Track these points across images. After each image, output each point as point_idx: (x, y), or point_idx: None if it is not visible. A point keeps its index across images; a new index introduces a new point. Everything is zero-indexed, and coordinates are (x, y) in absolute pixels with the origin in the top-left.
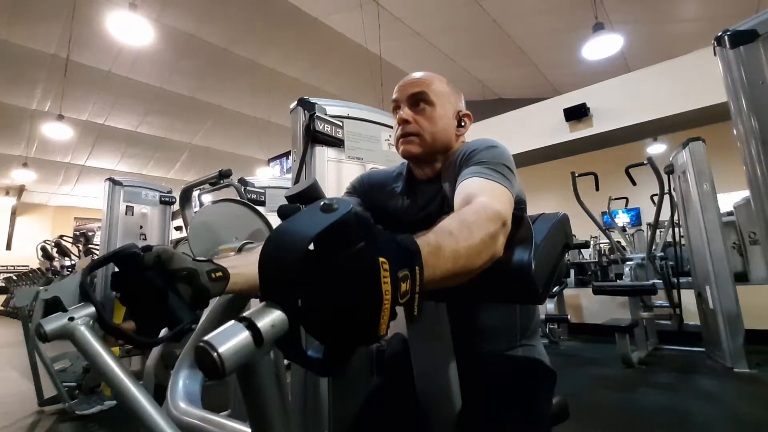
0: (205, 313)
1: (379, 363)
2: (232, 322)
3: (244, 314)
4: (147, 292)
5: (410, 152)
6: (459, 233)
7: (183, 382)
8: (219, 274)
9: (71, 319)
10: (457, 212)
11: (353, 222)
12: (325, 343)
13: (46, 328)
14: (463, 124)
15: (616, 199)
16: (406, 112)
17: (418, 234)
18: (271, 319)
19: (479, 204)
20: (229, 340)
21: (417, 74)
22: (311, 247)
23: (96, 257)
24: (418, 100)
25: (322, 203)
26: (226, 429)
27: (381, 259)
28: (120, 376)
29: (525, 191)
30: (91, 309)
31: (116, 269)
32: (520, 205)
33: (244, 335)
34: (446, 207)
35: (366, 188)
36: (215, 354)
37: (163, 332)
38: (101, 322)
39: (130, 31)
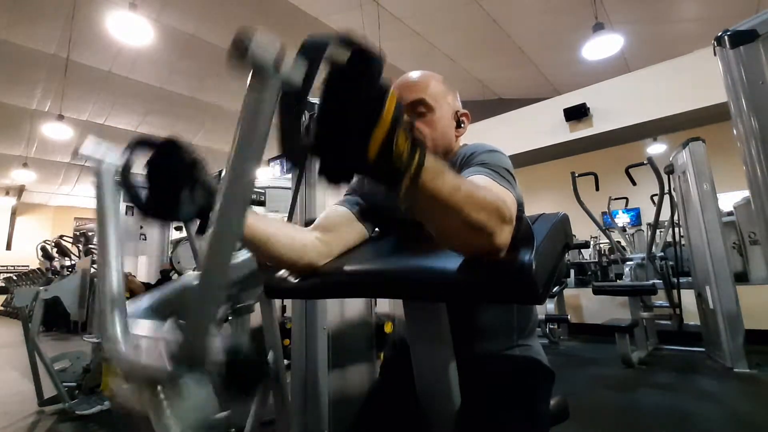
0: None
1: (378, 339)
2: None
3: None
4: (170, 177)
5: None
6: (466, 181)
7: (137, 310)
8: None
9: (104, 155)
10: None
11: (381, 67)
12: (318, 145)
13: (81, 146)
14: (461, 124)
15: (616, 199)
16: None
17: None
18: (294, 64)
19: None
20: (262, 42)
21: (413, 76)
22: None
23: (96, 258)
24: (417, 105)
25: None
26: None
27: (393, 90)
28: (111, 229)
29: (525, 191)
30: (122, 160)
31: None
32: (519, 207)
33: (274, 48)
34: None
35: (366, 189)
36: (248, 40)
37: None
38: (123, 175)
39: (130, 31)
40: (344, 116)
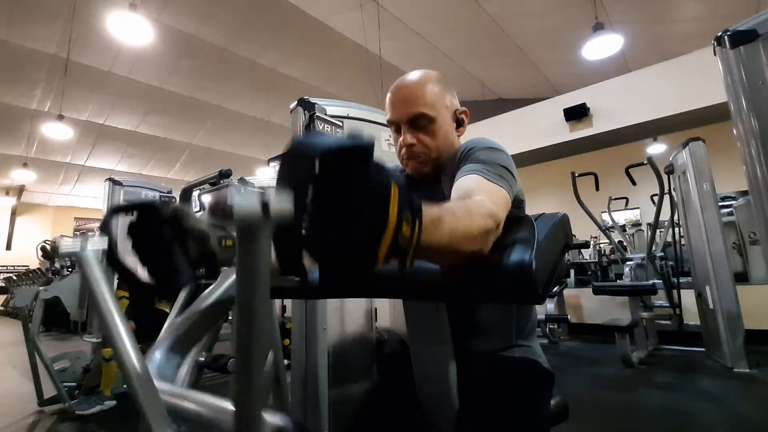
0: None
1: (378, 353)
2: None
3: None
4: (158, 242)
5: (421, 171)
6: (460, 215)
7: (158, 362)
8: (230, 242)
9: (83, 247)
10: (460, 200)
11: (373, 152)
12: (320, 259)
13: (59, 245)
14: (461, 122)
15: (616, 199)
16: (408, 139)
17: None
18: (280, 199)
19: (479, 200)
20: (243, 198)
21: (408, 85)
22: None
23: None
24: (418, 120)
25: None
26: (196, 401)
27: (394, 186)
28: (112, 311)
29: (525, 191)
30: (104, 244)
31: (133, 220)
32: (519, 204)
33: (254, 200)
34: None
35: None
36: (228, 202)
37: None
38: (110, 256)
39: (130, 31)
40: (343, 227)
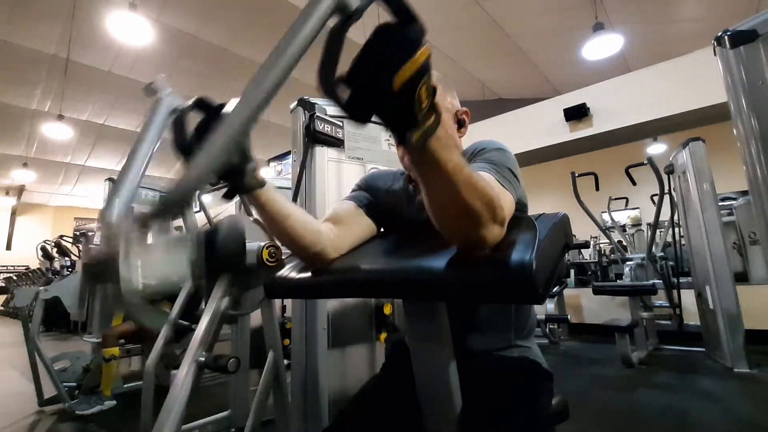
0: (203, 324)
1: (378, 320)
2: None
3: None
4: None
5: None
6: (470, 167)
7: None
8: (258, 177)
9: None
10: None
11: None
12: (352, 75)
13: (154, 83)
14: (463, 123)
15: (616, 199)
16: None
17: None
18: None
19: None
20: None
21: None
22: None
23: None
24: None
25: None
26: None
27: (428, 48)
28: (142, 155)
29: (525, 191)
30: (180, 105)
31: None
32: (521, 208)
33: None
34: None
35: (369, 187)
36: None
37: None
38: (178, 117)
39: (130, 31)
40: (381, 54)
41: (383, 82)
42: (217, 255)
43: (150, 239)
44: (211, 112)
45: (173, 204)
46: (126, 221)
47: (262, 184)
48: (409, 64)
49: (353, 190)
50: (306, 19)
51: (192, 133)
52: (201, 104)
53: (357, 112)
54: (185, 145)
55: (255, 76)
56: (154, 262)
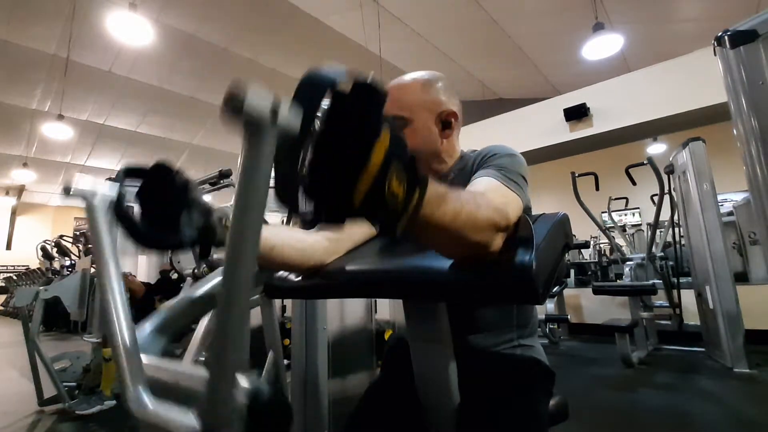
0: (204, 323)
1: (378, 345)
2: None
3: None
4: (167, 205)
5: None
6: (467, 202)
7: (145, 337)
8: (229, 224)
9: (94, 190)
10: (472, 190)
11: (384, 100)
12: (311, 190)
13: (72, 183)
14: (448, 124)
15: (616, 199)
16: None
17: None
18: (290, 112)
19: (490, 196)
20: (256, 94)
21: (391, 87)
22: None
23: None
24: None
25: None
26: (182, 373)
27: (385, 132)
28: (110, 261)
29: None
30: (114, 192)
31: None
32: (526, 212)
33: (267, 103)
34: None
35: None
36: (242, 94)
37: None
38: (117, 207)
39: (130, 31)
40: (334, 160)
41: (342, 199)
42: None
43: None
44: (144, 177)
45: None
46: None
47: None
48: (364, 177)
49: None
50: (254, 164)
51: (138, 212)
52: (130, 173)
53: (328, 221)
54: (139, 231)
55: (233, 230)
56: None
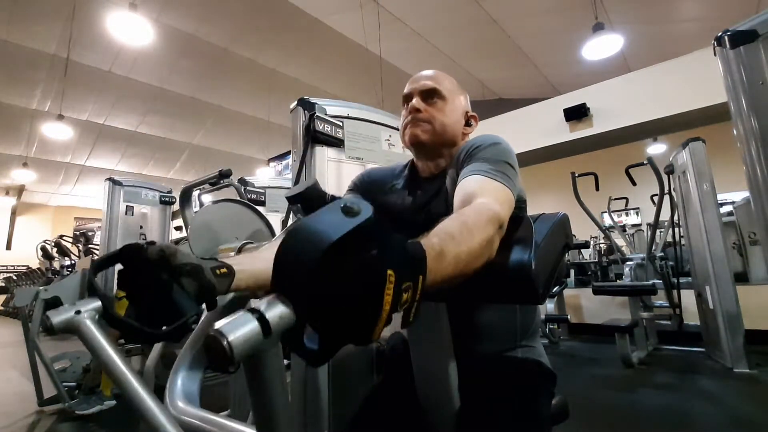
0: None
1: (379, 363)
2: (242, 311)
3: (253, 306)
4: (152, 286)
5: (418, 137)
6: (460, 237)
7: (182, 382)
8: (224, 270)
9: (78, 312)
10: (459, 213)
11: (372, 228)
12: (321, 336)
13: (53, 320)
14: (470, 124)
15: (616, 199)
16: (418, 102)
17: (422, 236)
18: (279, 311)
19: (479, 205)
20: (239, 328)
21: (428, 72)
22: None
23: (96, 257)
24: (430, 94)
25: (343, 204)
26: (225, 429)
27: (389, 272)
28: (123, 371)
29: (525, 191)
30: (97, 303)
31: (121, 267)
32: (520, 204)
33: (253, 325)
34: (448, 204)
35: (366, 185)
36: (225, 342)
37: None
38: (107, 315)
39: (130, 31)
40: (340, 319)
41: (360, 341)
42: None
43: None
44: (115, 262)
45: None
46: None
47: (231, 277)
48: (381, 320)
49: (349, 189)
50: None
51: (129, 303)
52: (101, 266)
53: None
54: (141, 330)
55: None
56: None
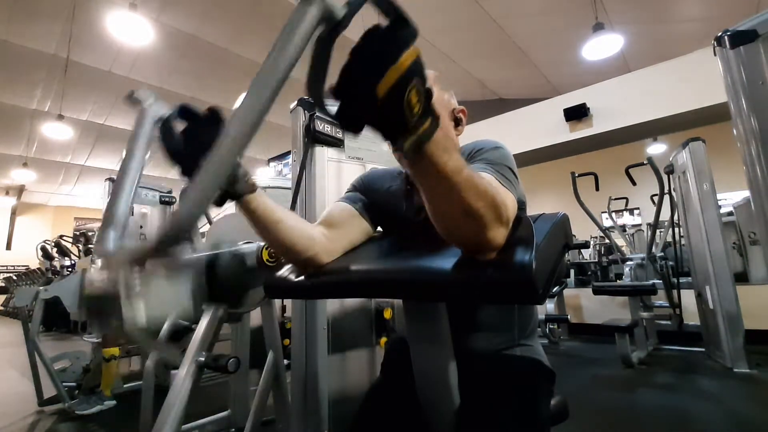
0: (203, 324)
1: (378, 323)
2: None
3: None
4: (206, 141)
5: None
6: (469, 167)
7: None
8: (252, 180)
9: (150, 102)
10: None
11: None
12: (339, 87)
13: (136, 94)
14: (459, 121)
15: (616, 199)
16: None
17: None
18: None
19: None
20: None
21: None
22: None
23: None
24: None
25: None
26: None
27: (416, 49)
28: (133, 170)
29: (525, 191)
30: (167, 111)
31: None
32: (520, 206)
33: None
34: None
35: (366, 186)
36: None
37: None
38: (166, 121)
39: (130, 31)
40: (366, 62)
41: (367, 92)
42: (218, 285)
43: (151, 271)
44: (195, 119)
45: (172, 240)
46: (123, 253)
47: (253, 189)
48: (392, 71)
49: (348, 191)
50: (292, 32)
51: (180, 138)
52: (184, 111)
53: (347, 123)
54: (176, 151)
55: (247, 93)
56: (157, 295)
